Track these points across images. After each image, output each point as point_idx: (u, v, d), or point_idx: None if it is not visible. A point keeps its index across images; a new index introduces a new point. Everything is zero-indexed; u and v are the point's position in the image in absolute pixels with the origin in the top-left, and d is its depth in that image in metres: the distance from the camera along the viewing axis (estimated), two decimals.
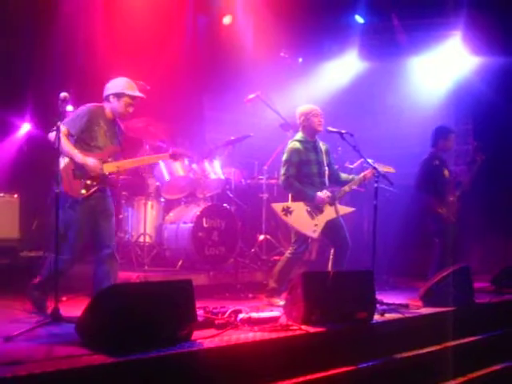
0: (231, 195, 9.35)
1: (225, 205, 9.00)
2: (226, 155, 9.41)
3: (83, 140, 6.10)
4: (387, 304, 6.92)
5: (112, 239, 6.30)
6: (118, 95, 6.23)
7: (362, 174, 7.38)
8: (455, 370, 6.40)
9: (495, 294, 8.43)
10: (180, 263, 8.45)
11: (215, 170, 9.05)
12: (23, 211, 8.93)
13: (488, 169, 9.43)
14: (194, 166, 8.89)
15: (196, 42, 11.18)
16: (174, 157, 6.63)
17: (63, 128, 5.88)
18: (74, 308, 5.80)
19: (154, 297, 4.82)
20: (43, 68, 9.09)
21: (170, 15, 10.08)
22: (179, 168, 8.74)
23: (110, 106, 6.27)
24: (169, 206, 9.21)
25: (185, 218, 8.64)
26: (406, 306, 7.04)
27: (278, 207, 7.12)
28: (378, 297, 6.66)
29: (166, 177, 8.74)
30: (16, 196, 8.84)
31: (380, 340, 6.05)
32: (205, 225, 8.48)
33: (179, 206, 9.07)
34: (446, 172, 8.70)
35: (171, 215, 8.95)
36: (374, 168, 7.18)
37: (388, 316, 6.47)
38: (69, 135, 6.01)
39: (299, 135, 7.41)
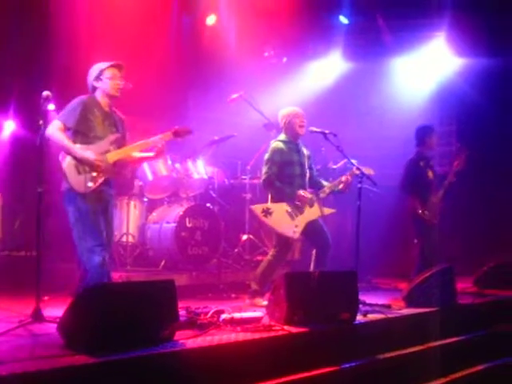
0: (214, 195, 9.34)
1: (208, 205, 9.00)
2: (209, 155, 9.39)
3: (81, 132, 5.92)
4: (370, 305, 6.92)
5: (110, 242, 6.20)
6: (98, 76, 6.07)
7: (342, 178, 7.36)
8: (438, 370, 6.40)
9: (478, 294, 8.45)
10: (163, 263, 8.43)
11: (198, 169, 9.03)
12: (5, 211, 8.86)
13: (471, 170, 9.47)
14: (177, 165, 8.87)
15: (180, 41, 11.16)
16: (178, 134, 6.29)
17: (58, 123, 5.83)
18: (55, 308, 5.77)
19: (136, 297, 4.79)
20: (27, 66, 9.03)
21: (155, 15, 10.06)
22: (162, 167, 8.72)
23: (100, 92, 6.11)
24: (152, 206, 9.18)
25: (168, 218, 8.62)
26: (389, 307, 7.05)
27: (257, 209, 7.10)
28: (361, 297, 6.64)
29: (149, 176, 8.71)
30: None
31: (363, 340, 6.04)
32: (188, 225, 8.45)
33: (162, 206, 9.04)
34: (430, 173, 8.70)
35: (154, 215, 8.93)
36: (358, 168, 7.18)
37: (371, 317, 6.46)
38: (65, 130, 5.88)
39: (282, 136, 7.40)
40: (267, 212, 7.04)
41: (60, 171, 5.87)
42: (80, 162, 5.82)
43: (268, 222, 7.08)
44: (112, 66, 6.11)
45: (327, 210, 7.44)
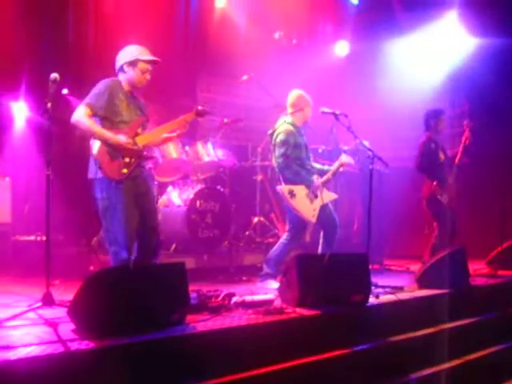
0: (225, 177, 9.30)
1: (218, 187, 8.95)
2: (219, 137, 9.34)
3: (107, 117, 5.78)
4: (382, 286, 6.88)
5: (154, 225, 6.07)
6: (133, 63, 5.94)
7: (339, 162, 7.33)
8: (451, 352, 6.38)
9: (491, 275, 8.41)
10: (173, 246, 8.39)
11: (208, 152, 8.98)
12: (15, 195, 8.83)
13: (483, 151, 9.38)
14: (187, 148, 8.82)
15: (189, 23, 11.07)
16: (200, 113, 6.23)
17: (86, 109, 5.69)
18: (66, 292, 5.76)
19: (146, 280, 4.78)
20: (40, 49, 8.97)
21: None
22: (172, 150, 8.66)
23: (126, 77, 5.98)
24: (162, 189, 9.13)
25: (178, 201, 8.58)
26: (401, 289, 7.01)
27: (285, 189, 7.06)
28: (373, 279, 6.61)
29: (159, 159, 8.66)
30: (7, 179, 8.70)
31: (375, 323, 6.02)
32: (199, 207, 8.42)
33: (173, 189, 9.00)
34: (442, 155, 8.67)
35: (164, 198, 8.89)
36: (370, 150, 7.13)
37: (383, 298, 6.43)
38: (93, 116, 5.73)
39: (290, 119, 7.35)
40: (292, 194, 7.03)
41: (90, 158, 5.78)
42: (112, 147, 5.70)
43: (294, 203, 7.05)
44: (149, 61, 6.02)
45: (332, 195, 7.43)
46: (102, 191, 5.73)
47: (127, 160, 5.75)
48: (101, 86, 5.87)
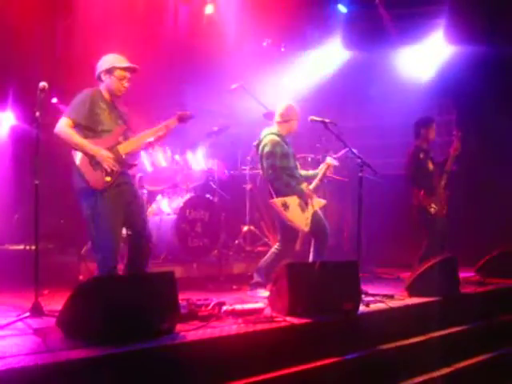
0: (214, 186, 9.28)
1: (208, 196, 8.94)
2: (208, 146, 9.33)
3: (89, 127, 5.83)
4: (372, 295, 6.87)
5: (145, 228, 6.10)
6: (109, 71, 5.99)
7: (325, 166, 7.36)
8: (441, 360, 6.39)
9: (480, 283, 8.42)
10: (163, 255, 8.38)
11: (198, 160, 8.99)
12: (4, 204, 8.80)
13: (472, 159, 9.41)
14: (177, 157, 8.82)
15: (177, 31, 11.08)
16: (181, 119, 6.22)
17: (67, 120, 5.74)
18: (55, 301, 5.72)
19: (136, 289, 4.75)
20: (27, 57, 8.94)
21: (152, 4, 9.98)
22: (162, 159, 8.67)
23: (105, 86, 6.03)
24: (151, 198, 9.12)
25: (168, 210, 8.58)
26: (392, 297, 7.00)
27: (278, 202, 7.03)
28: (364, 287, 6.62)
29: (149, 168, 8.66)
30: None
31: (366, 331, 6.01)
32: (188, 216, 8.41)
33: (162, 198, 8.99)
34: (431, 165, 8.71)
35: (154, 207, 8.88)
36: (360, 158, 7.13)
37: (373, 307, 6.43)
38: (75, 126, 5.77)
39: (276, 129, 7.34)
40: (285, 206, 7.00)
41: (73, 169, 5.80)
42: (93, 158, 5.73)
43: (287, 215, 7.01)
44: (126, 68, 6.04)
45: (321, 202, 7.43)
46: (87, 200, 5.77)
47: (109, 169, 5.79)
48: (82, 95, 5.94)
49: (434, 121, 9.04)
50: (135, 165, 6.28)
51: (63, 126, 5.74)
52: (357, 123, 11.07)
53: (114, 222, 5.81)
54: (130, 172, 6.31)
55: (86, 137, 5.79)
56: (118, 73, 6.00)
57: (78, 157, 5.75)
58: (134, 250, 6.04)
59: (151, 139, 6.18)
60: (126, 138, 6.04)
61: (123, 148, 5.92)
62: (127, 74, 6.05)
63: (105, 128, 5.90)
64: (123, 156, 5.91)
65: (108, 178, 5.76)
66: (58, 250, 8.57)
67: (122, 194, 5.90)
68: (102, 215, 5.74)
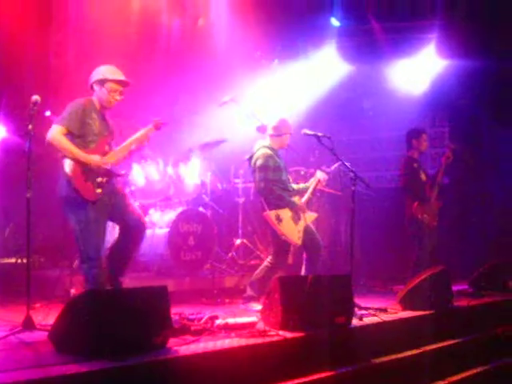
0: (207, 199, 9.27)
1: (201, 209, 8.92)
2: (201, 159, 9.31)
3: (79, 136, 5.85)
4: (365, 308, 6.85)
5: (135, 212, 6.24)
6: (101, 82, 6.03)
7: (315, 180, 7.40)
8: (434, 373, 6.38)
9: (473, 296, 8.41)
10: (156, 269, 8.35)
11: (191, 173, 8.96)
12: None
13: (464, 171, 9.42)
14: (169, 169, 8.80)
15: (170, 43, 11.08)
16: (158, 126, 6.27)
17: (61, 128, 5.76)
18: (47, 315, 5.69)
19: (128, 303, 4.73)
20: (19, 70, 8.94)
21: (145, 17, 9.98)
22: (154, 172, 8.66)
23: (96, 96, 6.07)
24: (144, 211, 9.08)
25: (160, 223, 8.56)
26: (385, 310, 6.99)
27: (271, 215, 7.02)
28: (357, 301, 6.61)
29: (141, 181, 8.63)
30: None
31: (359, 344, 6.00)
32: (181, 229, 8.39)
33: (155, 211, 8.97)
34: (423, 176, 8.75)
35: (146, 220, 8.83)
36: (353, 171, 7.13)
37: (366, 320, 6.41)
38: (68, 134, 5.79)
39: (268, 142, 7.34)
40: (279, 219, 6.99)
41: (60, 175, 5.81)
42: (85, 167, 5.75)
43: (281, 228, 7.00)
44: (117, 82, 6.07)
45: (313, 215, 7.44)
46: (76, 211, 5.80)
47: (99, 180, 5.85)
48: (75, 104, 5.96)
49: (425, 131, 9.09)
50: (122, 175, 6.32)
51: (56, 134, 5.76)
52: (350, 137, 11.08)
53: (100, 229, 5.92)
54: (129, 187, 6.35)
55: (76, 145, 5.80)
56: (109, 85, 6.04)
57: (69, 166, 5.75)
58: (127, 234, 6.17)
59: (133, 147, 6.23)
60: (110, 149, 6.07)
61: (109, 158, 5.96)
62: (119, 87, 6.08)
63: (93, 138, 5.94)
64: (109, 166, 5.95)
65: (99, 190, 5.81)
66: (49, 264, 8.52)
67: (107, 204, 5.97)
68: (90, 225, 5.79)
